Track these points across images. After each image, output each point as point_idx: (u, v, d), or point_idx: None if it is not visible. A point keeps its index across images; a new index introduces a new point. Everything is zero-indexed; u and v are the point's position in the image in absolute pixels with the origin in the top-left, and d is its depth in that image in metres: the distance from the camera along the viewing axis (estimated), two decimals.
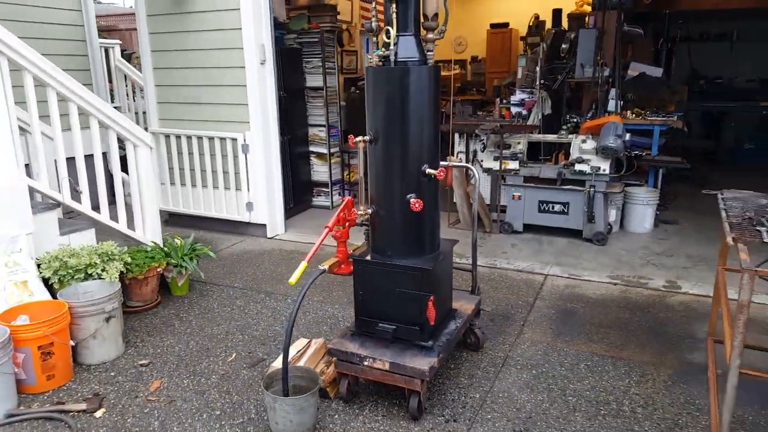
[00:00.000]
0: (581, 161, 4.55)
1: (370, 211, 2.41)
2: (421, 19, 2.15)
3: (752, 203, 2.61)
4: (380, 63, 2.15)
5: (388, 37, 2.09)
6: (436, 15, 2.13)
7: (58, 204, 3.28)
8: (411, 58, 2.14)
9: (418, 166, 2.26)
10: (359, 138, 2.28)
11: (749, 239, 2.10)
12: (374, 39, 2.17)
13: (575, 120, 5.00)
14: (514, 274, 4.05)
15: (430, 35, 2.17)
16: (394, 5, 2.03)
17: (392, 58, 2.14)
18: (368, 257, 2.46)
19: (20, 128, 3.14)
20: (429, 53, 2.18)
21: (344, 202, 2.43)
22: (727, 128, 8.05)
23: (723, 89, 8.11)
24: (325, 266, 2.42)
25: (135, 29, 10.86)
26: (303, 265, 2.26)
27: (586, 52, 5.11)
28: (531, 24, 7.07)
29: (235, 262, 4.34)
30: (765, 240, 2.11)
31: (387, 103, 2.21)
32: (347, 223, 2.44)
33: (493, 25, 8.56)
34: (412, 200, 2.23)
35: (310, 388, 2.28)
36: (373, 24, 2.12)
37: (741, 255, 2.01)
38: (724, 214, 2.45)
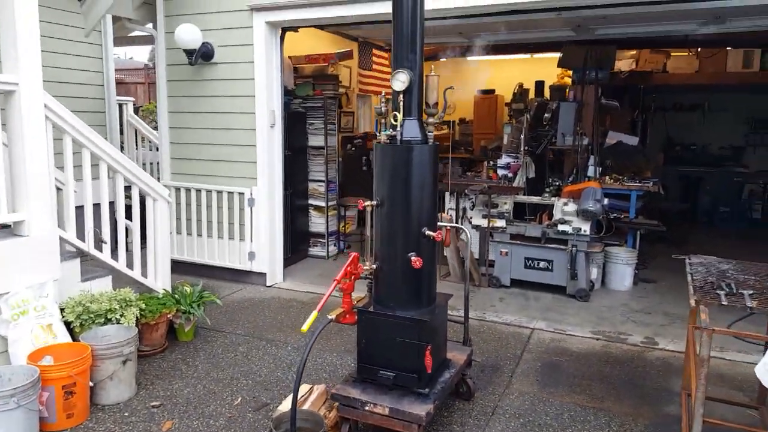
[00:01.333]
0: (563, 222, 4.91)
1: (374, 266, 2.69)
2: (423, 107, 2.54)
3: (715, 268, 2.91)
4: (388, 141, 2.51)
5: (395, 121, 2.46)
6: (436, 104, 2.53)
7: (80, 252, 3.53)
8: (414, 138, 2.51)
9: (419, 228, 2.58)
10: (368, 202, 2.60)
11: (709, 302, 2.40)
12: (383, 121, 2.54)
13: (557, 183, 5.41)
14: (502, 327, 4.29)
15: (431, 119, 2.56)
16: (401, 95, 2.42)
17: (398, 137, 2.51)
18: (371, 308, 2.72)
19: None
20: (429, 134, 2.56)
21: (351, 258, 2.71)
22: (704, 191, 8.55)
23: (697, 155, 8.71)
24: (333, 316, 2.67)
25: (141, 83, 11.44)
26: (314, 314, 2.51)
27: (566, 123, 5.60)
28: (515, 92, 7.67)
29: (237, 309, 4.54)
30: (723, 303, 2.41)
31: (393, 174, 2.56)
32: (353, 276, 2.72)
33: (480, 91, 9.23)
34: (412, 258, 2.53)
35: (315, 431, 2.47)
36: (383, 109, 2.50)
37: (702, 315, 2.29)
38: (689, 278, 2.76)
